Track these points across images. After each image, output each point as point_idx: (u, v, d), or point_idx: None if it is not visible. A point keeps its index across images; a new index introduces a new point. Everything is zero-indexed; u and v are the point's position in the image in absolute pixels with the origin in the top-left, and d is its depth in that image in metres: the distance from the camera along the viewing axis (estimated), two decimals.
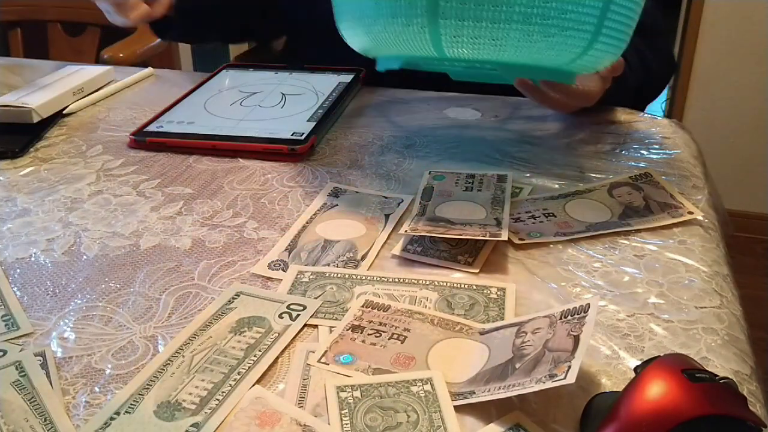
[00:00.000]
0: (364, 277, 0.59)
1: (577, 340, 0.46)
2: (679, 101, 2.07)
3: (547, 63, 0.63)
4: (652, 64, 0.91)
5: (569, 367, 0.43)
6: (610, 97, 0.83)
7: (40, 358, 0.51)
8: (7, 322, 0.55)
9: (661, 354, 0.46)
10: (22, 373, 0.49)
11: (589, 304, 0.48)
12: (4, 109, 0.86)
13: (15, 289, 0.59)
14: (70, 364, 0.51)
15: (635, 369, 0.45)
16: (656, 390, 0.41)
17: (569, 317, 0.48)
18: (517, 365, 0.47)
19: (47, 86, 0.94)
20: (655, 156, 0.78)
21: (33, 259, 0.63)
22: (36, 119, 0.86)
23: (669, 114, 2.13)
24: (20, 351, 0.52)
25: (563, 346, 0.46)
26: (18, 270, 0.61)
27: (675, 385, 0.41)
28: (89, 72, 1.00)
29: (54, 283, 0.59)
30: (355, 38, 0.69)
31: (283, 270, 0.60)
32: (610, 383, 0.48)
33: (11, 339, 0.53)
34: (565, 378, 0.43)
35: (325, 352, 0.51)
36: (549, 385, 0.43)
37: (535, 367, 0.46)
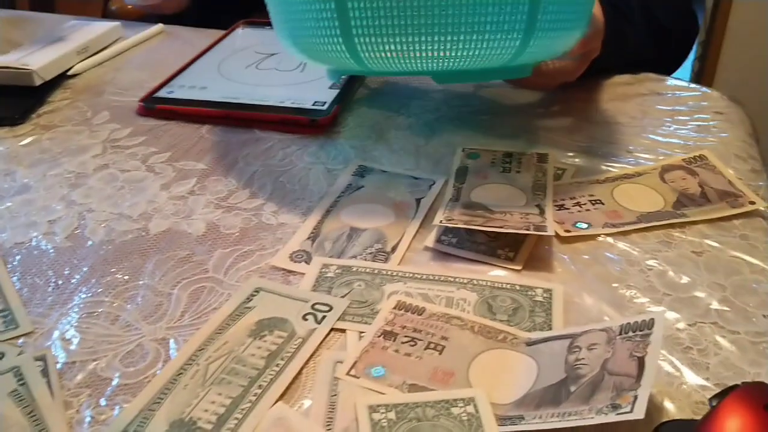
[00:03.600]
0: (395, 274, 0.53)
1: (641, 363, 0.40)
2: (711, 62, 1.99)
3: (487, 65, 0.59)
4: (663, 22, 0.84)
5: (635, 397, 0.38)
6: (609, 59, 0.76)
7: (41, 364, 0.46)
8: (5, 319, 0.50)
9: (736, 381, 0.41)
10: (21, 382, 0.45)
11: (653, 319, 0.43)
12: (4, 71, 0.80)
13: (14, 278, 0.54)
14: (73, 370, 0.46)
15: (710, 401, 0.40)
16: (735, 428, 0.36)
17: (630, 333, 0.43)
18: (572, 388, 0.42)
19: (50, 45, 0.87)
20: (707, 134, 0.72)
21: (33, 243, 0.57)
22: (38, 82, 0.80)
23: (698, 76, 2.04)
24: (19, 354, 0.47)
25: (625, 370, 0.41)
26: (17, 257, 0.56)
27: (757, 424, 0.36)
28: (95, 29, 0.94)
29: (56, 273, 0.54)
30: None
31: (306, 262, 0.55)
32: (674, 407, 0.43)
33: (9, 339, 0.48)
34: (631, 411, 0.38)
35: (355, 362, 0.46)
36: (612, 418, 0.38)
37: (593, 393, 0.40)
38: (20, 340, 0.48)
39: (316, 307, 0.50)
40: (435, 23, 0.54)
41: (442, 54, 0.56)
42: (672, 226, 0.58)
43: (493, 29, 0.55)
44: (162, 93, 0.79)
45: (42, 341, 0.48)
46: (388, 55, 0.57)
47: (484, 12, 0.54)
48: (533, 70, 0.65)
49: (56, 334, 0.49)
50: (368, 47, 0.57)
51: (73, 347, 0.48)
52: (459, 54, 0.56)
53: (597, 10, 0.70)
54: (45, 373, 0.45)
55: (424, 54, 0.56)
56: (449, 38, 0.55)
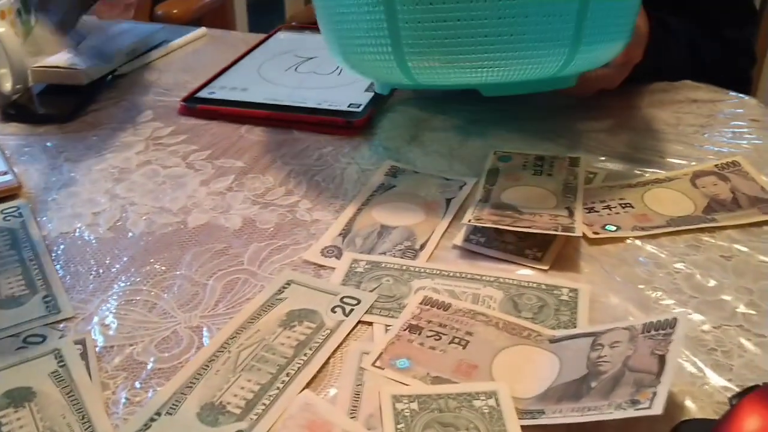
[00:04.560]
0: (422, 270, 0.54)
1: (662, 360, 0.41)
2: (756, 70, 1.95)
3: (534, 77, 0.60)
4: (707, 51, 0.84)
5: (654, 393, 0.39)
6: (651, 68, 0.76)
7: (80, 347, 0.48)
8: (48, 304, 0.52)
9: (758, 382, 0.41)
10: (61, 363, 0.47)
11: (676, 318, 0.43)
12: (54, 70, 0.83)
13: (58, 266, 0.56)
14: (111, 354, 0.48)
15: (730, 400, 0.40)
16: (754, 428, 0.36)
17: (653, 332, 0.44)
18: (593, 384, 0.42)
19: (98, 46, 0.90)
20: (742, 141, 0.72)
21: (77, 234, 0.60)
22: (86, 81, 0.83)
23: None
24: (60, 338, 0.49)
25: (646, 367, 0.41)
26: (62, 246, 0.58)
27: None
28: (140, 31, 0.97)
29: (98, 262, 0.56)
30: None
31: (337, 258, 0.56)
32: (696, 407, 0.43)
33: (51, 323, 0.51)
34: (650, 407, 0.38)
35: (381, 354, 0.47)
36: (631, 413, 0.39)
37: (613, 389, 0.41)
38: (62, 325, 0.51)
39: (345, 300, 0.52)
40: (484, 37, 0.55)
41: (489, 66, 0.57)
42: (701, 230, 0.58)
43: (541, 42, 0.56)
44: (203, 93, 0.81)
45: (82, 326, 0.50)
46: (437, 68, 0.58)
47: (532, 26, 0.55)
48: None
49: (96, 319, 0.51)
50: (418, 61, 0.58)
51: (111, 332, 0.50)
52: (507, 66, 0.57)
53: (641, 20, 0.70)
54: (84, 356, 0.47)
55: (472, 66, 0.58)
56: (497, 52, 0.56)
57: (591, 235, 0.57)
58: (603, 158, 0.69)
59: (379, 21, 0.57)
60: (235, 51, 0.94)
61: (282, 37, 0.99)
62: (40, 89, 0.84)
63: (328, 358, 0.47)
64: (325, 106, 0.77)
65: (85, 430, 0.42)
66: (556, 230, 0.55)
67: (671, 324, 0.43)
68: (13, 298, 0.53)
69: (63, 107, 0.80)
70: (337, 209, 0.62)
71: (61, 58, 0.86)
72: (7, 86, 0.80)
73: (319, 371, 0.46)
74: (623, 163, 0.68)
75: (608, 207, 0.61)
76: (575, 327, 0.49)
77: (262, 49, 0.94)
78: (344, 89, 0.81)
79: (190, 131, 0.76)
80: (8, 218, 0.62)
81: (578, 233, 0.55)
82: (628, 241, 0.57)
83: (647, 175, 0.66)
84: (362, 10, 0.58)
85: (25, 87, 0.82)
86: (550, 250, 0.56)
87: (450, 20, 0.55)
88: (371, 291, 0.53)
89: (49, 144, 0.74)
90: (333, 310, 0.51)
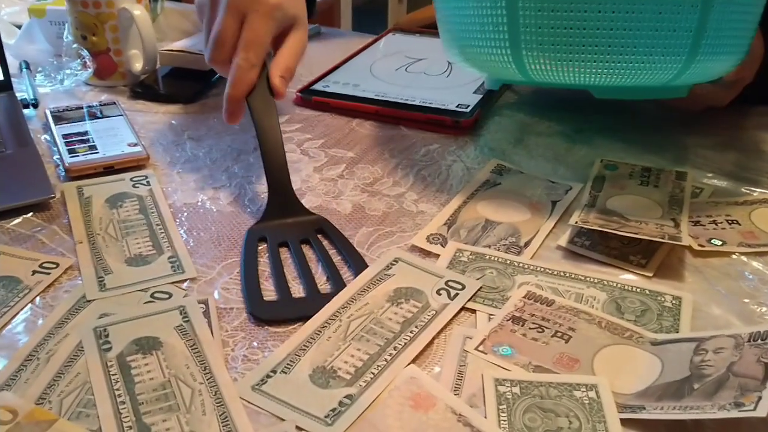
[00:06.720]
0: (526, 266, 0.56)
1: None
2: None
3: (647, 83, 0.60)
4: None
5: (759, 397, 0.39)
6: (761, 90, 0.75)
7: (203, 306, 0.51)
8: (173, 264, 0.56)
9: None
10: (186, 319, 0.50)
11: None
12: (181, 54, 0.88)
13: (182, 232, 0.60)
14: (230, 315, 0.51)
15: None
16: None
17: (759, 341, 0.44)
18: (696, 385, 0.43)
19: None
20: None
21: (200, 205, 0.64)
22: (209, 66, 0.88)
23: None
24: (184, 296, 0.53)
25: (752, 373, 0.42)
26: (185, 214, 0.63)
27: None
28: None
29: (219, 232, 0.60)
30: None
31: (442, 245, 0.58)
32: None
33: (176, 282, 0.54)
34: (754, 409, 0.39)
35: (483, 340, 0.49)
36: (734, 414, 0.39)
37: (717, 391, 0.42)
38: (185, 284, 0.54)
39: (450, 284, 0.54)
40: (603, 42, 0.57)
41: (604, 71, 0.59)
42: None
43: (659, 51, 0.57)
44: (318, 86, 0.85)
45: (204, 288, 0.54)
46: (553, 68, 0.60)
47: (652, 34, 0.56)
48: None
49: (217, 283, 0.54)
50: (535, 60, 0.60)
51: (231, 296, 0.53)
52: (621, 71, 0.59)
53: (757, 40, 0.70)
54: (206, 314, 0.51)
55: (587, 68, 0.59)
56: (615, 57, 0.58)
57: (696, 247, 0.58)
58: (710, 174, 0.69)
59: (500, 18, 0.59)
60: (345, 48, 0.98)
61: (393, 38, 1.02)
62: (165, 72, 0.89)
63: (433, 338, 0.49)
64: (433, 105, 0.80)
65: (207, 380, 0.45)
66: (662, 238, 0.56)
67: None
68: (141, 256, 0.57)
69: (186, 89, 0.85)
70: (443, 203, 0.65)
71: (187, 43, 0.91)
72: (138, 66, 0.86)
73: (424, 349, 0.48)
74: (730, 181, 0.68)
75: (714, 222, 0.61)
76: (677, 332, 0.49)
77: (373, 48, 0.98)
78: (453, 90, 0.83)
79: (305, 121, 0.80)
80: (137, 185, 0.66)
81: (685, 242, 0.55)
82: (734, 256, 0.57)
83: (755, 194, 0.66)
84: (484, 5, 0.60)
85: (152, 68, 0.87)
86: (654, 257, 0.56)
87: (570, 27, 0.57)
88: (476, 279, 0.54)
89: (173, 122, 0.79)
90: (438, 293, 0.53)
